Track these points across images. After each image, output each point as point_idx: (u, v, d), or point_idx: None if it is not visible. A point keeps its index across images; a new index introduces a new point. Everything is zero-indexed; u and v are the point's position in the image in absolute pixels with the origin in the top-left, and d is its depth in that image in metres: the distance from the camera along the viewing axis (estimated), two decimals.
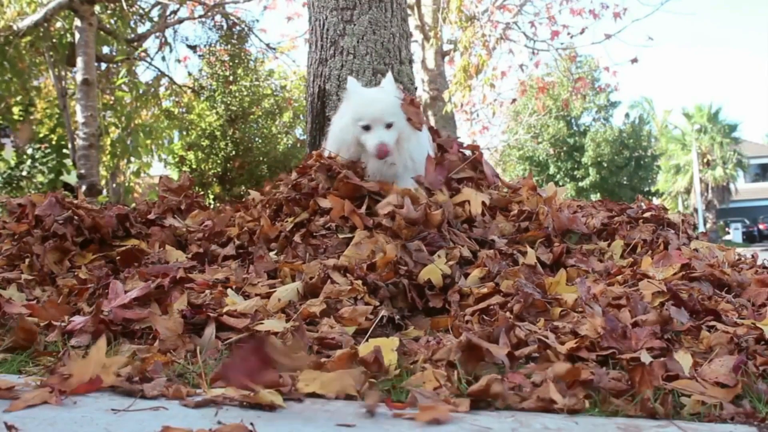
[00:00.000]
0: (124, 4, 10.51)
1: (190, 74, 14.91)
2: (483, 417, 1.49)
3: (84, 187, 8.73)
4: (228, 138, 14.45)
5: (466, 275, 2.57)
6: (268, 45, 13.23)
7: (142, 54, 12.87)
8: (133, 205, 3.73)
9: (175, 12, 12.52)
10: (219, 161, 14.46)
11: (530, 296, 2.23)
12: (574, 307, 2.23)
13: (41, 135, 14.30)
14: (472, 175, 3.26)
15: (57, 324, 2.21)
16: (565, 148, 33.82)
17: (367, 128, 2.92)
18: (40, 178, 14.25)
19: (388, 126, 2.91)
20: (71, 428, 1.36)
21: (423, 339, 2.09)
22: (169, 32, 12.89)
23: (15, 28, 9.81)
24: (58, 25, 10.97)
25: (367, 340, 1.98)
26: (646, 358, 1.76)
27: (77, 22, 9.16)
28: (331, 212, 2.88)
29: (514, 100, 14.26)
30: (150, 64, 13.38)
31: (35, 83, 12.96)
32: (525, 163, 33.04)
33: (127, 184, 13.75)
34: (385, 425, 1.40)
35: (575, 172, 34.29)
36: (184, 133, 14.63)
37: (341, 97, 3.93)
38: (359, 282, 2.39)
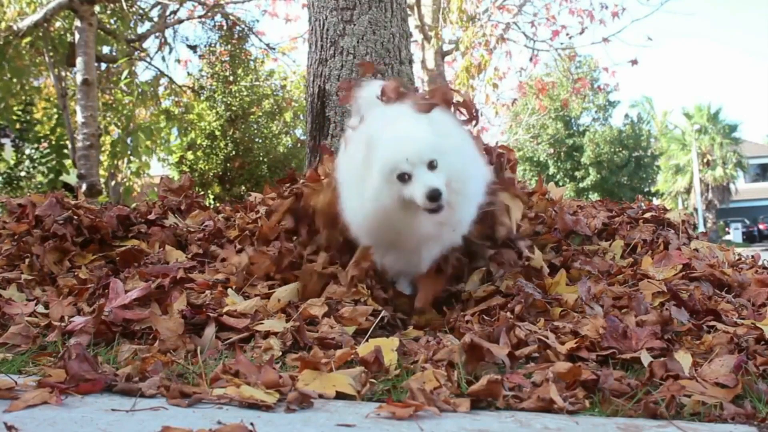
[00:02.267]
0: (124, 4, 10.51)
1: (189, 74, 14.92)
2: (483, 417, 1.49)
3: (84, 187, 8.73)
4: (228, 138, 14.46)
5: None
6: (268, 45, 13.24)
7: (142, 54, 12.87)
8: (134, 205, 3.73)
9: (175, 12, 12.52)
10: (219, 161, 14.46)
11: (530, 296, 2.23)
12: (574, 307, 2.23)
13: (41, 135, 14.31)
14: None
15: (57, 324, 2.22)
16: (564, 149, 33.82)
17: (404, 178, 2.12)
18: (40, 178, 14.27)
19: (431, 167, 2.13)
20: (71, 428, 1.36)
21: (423, 339, 2.09)
22: (169, 32, 12.90)
23: (15, 28, 9.81)
24: (58, 25, 10.97)
25: (367, 340, 1.98)
26: (646, 358, 1.76)
27: (77, 22, 9.16)
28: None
29: (514, 101, 14.26)
30: (150, 64, 13.39)
31: (35, 83, 12.96)
32: (525, 163, 33.03)
33: (126, 184, 13.76)
34: (385, 425, 1.40)
35: (575, 172, 34.29)
36: (183, 132, 14.63)
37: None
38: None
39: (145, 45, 13.00)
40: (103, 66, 12.26)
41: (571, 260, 2.80)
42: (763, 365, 1.79)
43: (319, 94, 3.96)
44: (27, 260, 2.86)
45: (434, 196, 2.04)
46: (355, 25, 3.93)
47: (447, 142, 2.18)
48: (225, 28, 13.98)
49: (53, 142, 14.18)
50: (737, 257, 3.27)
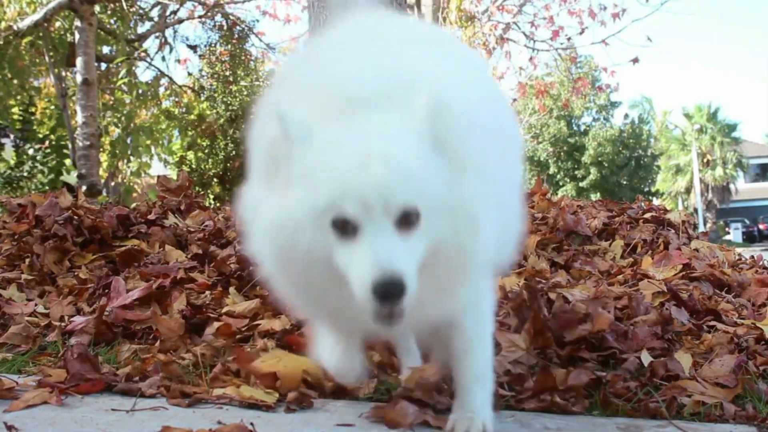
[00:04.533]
0: (124, 4, 10.51)
1: (190, 74, 14.92)
2: None
3: (84, 187, 8.73)
4: (228, 138, 14.47)
5: None
6: (268, 45, 13.23)
7: (142, 54, 12.87)
8: (134, 205, 3.73)
9: (175, 12, 12.52)
10: (219, 161, 14.47)
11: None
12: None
13: (41, 135, 14.32)
14: None
15: (57, 324, 2.22)
16: (565, 148, 33.86)
17: (346, 229, 1.13)
18: (40, 178, 14.28)
19: (405, 221, 1.13)
20: (71, 428, 1.36)
21: None
22: (169, 32, 12.90)
23: (15, 28, 9.81)
24: (58, 25, 10.97)
25: None
26: (646, 358, 1.76)
27: (77, 22, 9.16)
28: None
29: (514, 101, 14.25)
30: (150, 64, 13.39)
31: (35, 83, 12.97)
32: (525, 163, 33.04)
33: (126, 184, 13.76)
34: (384, 425, 1.40)
35: (575, 172, 34.33)
36: (184, 132, 14.65)
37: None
38: None
39: (145, 45, 13.01)
40: (103, 66, 12.27)
41: (571, 260, 2.81)
42: (763, 365, 1.79)
43: None
44: (27, 260, 2.86)
45: (386, 292, 1.06)
46: None
47: (457, 177, 1.17)
48: (225, 28, 13.97)
49: (53, 142, 14.18)
50: (737, 257, 3.28)
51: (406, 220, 1.11)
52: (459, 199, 1.15)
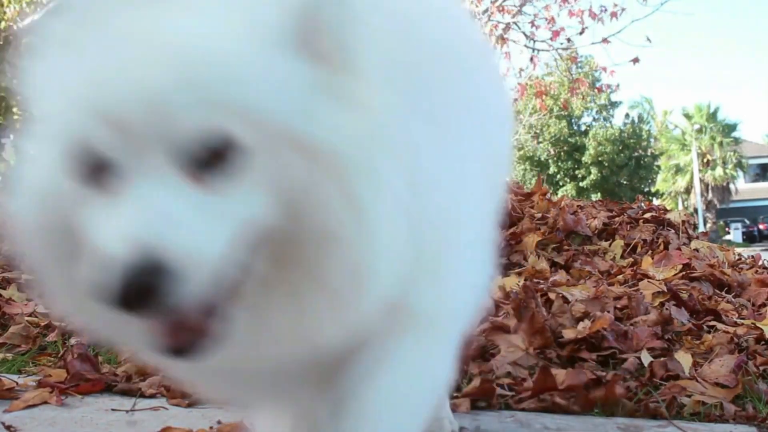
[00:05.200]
0: None
1: None
2: (483, 417, 1.49)
3: None
4: None
5: None
6: None
7: None
8: None
9: None
10: None
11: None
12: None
13: None
14: None
15: (57, 324, 2.22)
16: (565, 148, 33.90)
17: (100, 176, 0.60)
18: None
19: (207, 159, 0.59)
20: (71, 428, 1.36)
21: None
22: None
23: (15, 28, 9.83)
24: None
25: None
26: (646, 358, 1.77)
27: None
28: None
29: (515, 101, 14.25)
30: None
31: None
32: (525, 162, 33.06)
33: None
34: None
35: (575, 172, 34.37)
36: None
37: None
38: None
39: None
40: None
41: (571, 260, 2.82)
42: (763, 365, 1.79)
43: None
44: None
45: (135, 286, 0.54)
46: None
47: (340, 103, 0.64)
48: None
49: None
50: (737, 257, 3.28)
51: (211, 156, 0.59)
52: (335, 138, 0.62)
